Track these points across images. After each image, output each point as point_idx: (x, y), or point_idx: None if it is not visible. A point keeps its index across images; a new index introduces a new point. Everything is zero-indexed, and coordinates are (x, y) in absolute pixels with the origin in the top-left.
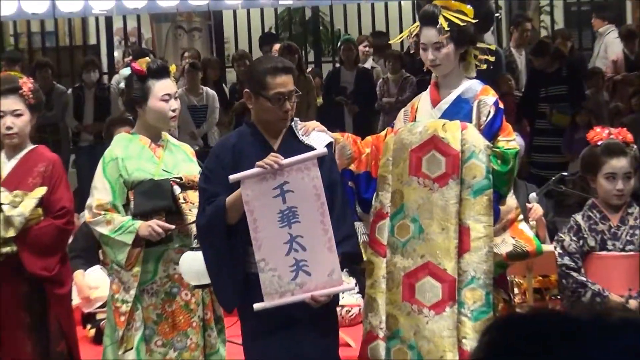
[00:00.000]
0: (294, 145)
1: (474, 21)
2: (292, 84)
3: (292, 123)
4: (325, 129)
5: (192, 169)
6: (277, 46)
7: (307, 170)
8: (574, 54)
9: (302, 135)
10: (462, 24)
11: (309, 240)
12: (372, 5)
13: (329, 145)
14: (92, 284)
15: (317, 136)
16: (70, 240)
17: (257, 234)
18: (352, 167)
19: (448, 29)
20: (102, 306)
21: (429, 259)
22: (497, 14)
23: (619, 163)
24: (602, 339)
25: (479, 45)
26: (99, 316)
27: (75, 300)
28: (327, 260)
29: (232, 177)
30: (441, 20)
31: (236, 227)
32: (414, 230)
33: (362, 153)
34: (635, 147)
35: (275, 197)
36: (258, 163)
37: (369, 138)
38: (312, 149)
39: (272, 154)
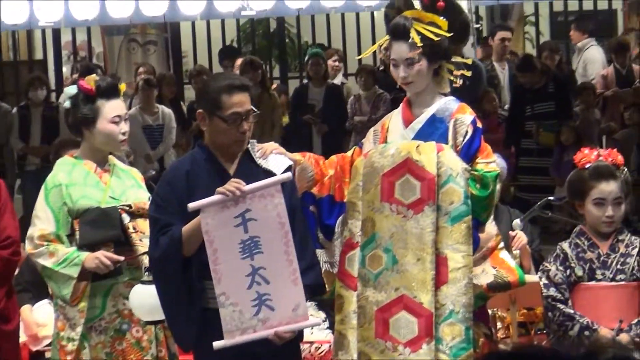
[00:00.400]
0: (251, 170)
1: (448, 35)
2: (249, 103)
3: (249, 145)
4: (284, 151)
5: (141, 196)
6: (239, 61)
7: (270, 197)
8: (561, 68)
9: (260, 159)
10: (435, 38)
11: (273, 272)
12: (343, 15)
13: (289, 169)
14: (40, 320)
15: (275, 159)
16: (16, 272)
17: (216, 266)
18: (314, 190)
19: (420, 44)
20: (50, 344)
21: (404, 292)
22: (477, 26)
23: (608, 188)
24: None
25: (455, 59)
26: (47, 354)
27: (22, 337)
28: (291, 293)
29: (192, 205)
30: (413, 34)
31: (193, 259)
32: (387, 261)
33: (324, 175)
34: (625, 170)
35: (236, 227)
36: (219, 190)
37: (333, 158)
38: (270, 173)
39: (233, 179)
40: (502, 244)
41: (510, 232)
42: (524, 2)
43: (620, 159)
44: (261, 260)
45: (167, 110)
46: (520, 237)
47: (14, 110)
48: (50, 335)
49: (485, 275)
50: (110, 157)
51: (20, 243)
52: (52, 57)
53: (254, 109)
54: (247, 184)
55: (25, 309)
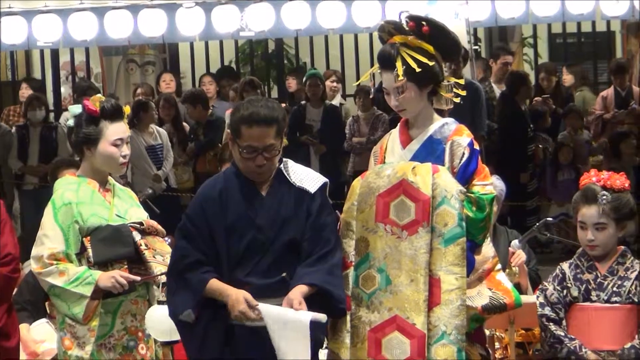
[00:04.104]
0: (284, 190)
1: (431, 63)
2: (272, 137)
3: (282, 165)
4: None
5: (142, 215)
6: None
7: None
8: (559, 89)
9: (294, 177)
10: (417, 69)
11: None
12: (341, 37)
13: (324, 186)
14: (37, 338)
15: (309, 176)
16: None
17: None
18: None
19: (403, 77)
20: None
21: (397, 312)
22: (476, 47)
23: (588, 212)
24: None
25: (448, 80)
26: None
27: (22, 355)
28: None
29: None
30: (398, 64)
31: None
32: (380, 282)
33: None
34: (619, 195)
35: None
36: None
37: None
38: (305, 191)
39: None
40: (499, 266)
41: (510, 249)
42: (523, 24)
43: (619, 183)
44: None
45: (162, 130)
46: (519, 255)
47: (13, 129)
48: (48, 352)
49: (481, 297)
50: (110, 177)
51: (19, 260)
52: (51, 78)
53: (277, 145)
54: (281, 206)
55: (23, 328)
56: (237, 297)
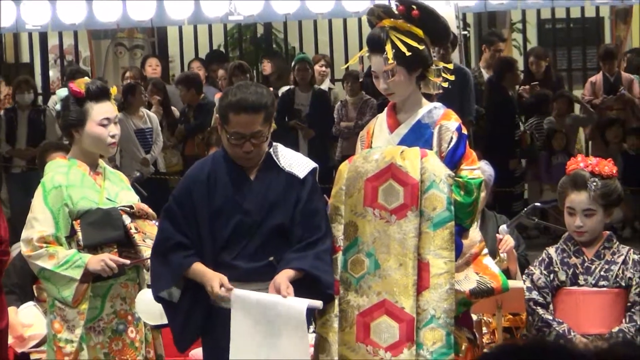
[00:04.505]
0: (273, 175)
1: (421, 47)
2: (260, 124)
3: (271, 149)
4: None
5: (132, 198)
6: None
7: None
8: (549, 75)
9: (283, 162)
10: (408, 53)
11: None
12: (330, 21)
13: (313, 171)
14: (25, 321)
15: (299, 161)
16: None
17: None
18: None
19: (392, 61)
20: (36, 345)
21: (386, 296)
22: (465, 32)
23: (578, 198)
24: None
25: (437, 65)
26: (33, 356)
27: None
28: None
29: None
30: (387, 48)
31: (205, 256)
32: (369, 266)
33: None
34: (607, 182)
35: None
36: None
37: None
38: (294, 177)
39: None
40: (485, 250)
41: (498, 235)
42: (512, 10)
43: (608, 169)
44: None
45: (151, 113)
46: (508, 241)
47: (1, 113)
48: (35, 336)
49: (468, 281)
50: (100, 160)
51: (8, 242)
52: (39, 61)
53: (264, 130)
54: (269, 190)
55: (11, 311)
56: (213, 278)
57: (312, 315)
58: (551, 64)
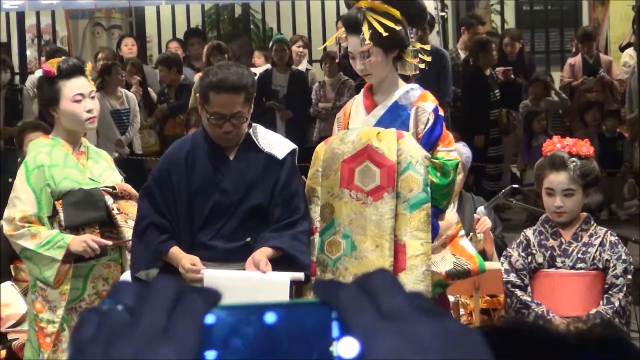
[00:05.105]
0: (252, 155)
1: (398, 28)
2: (240, 105)
3: (251, 130)
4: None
5: (116, 178)
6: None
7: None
8: (522, 56)
9: (263, 143)
10: (385, 33)
11: None
12: (308, 2)
13: (292, 152)
14: (2, 301)
15: (279, 142)
16: None
17: None
18: None
19: (369, 41)
20: (14, 325)
21: None
22: (443, 14)
23: (557, 178)
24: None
25: (413, 46)
26: (10, 336)
27: None
28: None
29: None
30: (364, 29)
31: (181, 238)
32: (345, 247)
33: None
34: (585, 162)
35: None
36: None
37: None
38: (273, 158)
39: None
40: (462, 232)
41: (475, 215)
42: None
43: (585, 149)
44: None
45: (130, 94)
46: (485, 221)
47: None
48: (12, 315)
49: (445, 262)
50: (84, 139)
51: None
52: (17, 40)
53: (244, 111)
54: (248, 170)
55: None
56: (184, 257)
57: (291, 296)
58: (524, 45)
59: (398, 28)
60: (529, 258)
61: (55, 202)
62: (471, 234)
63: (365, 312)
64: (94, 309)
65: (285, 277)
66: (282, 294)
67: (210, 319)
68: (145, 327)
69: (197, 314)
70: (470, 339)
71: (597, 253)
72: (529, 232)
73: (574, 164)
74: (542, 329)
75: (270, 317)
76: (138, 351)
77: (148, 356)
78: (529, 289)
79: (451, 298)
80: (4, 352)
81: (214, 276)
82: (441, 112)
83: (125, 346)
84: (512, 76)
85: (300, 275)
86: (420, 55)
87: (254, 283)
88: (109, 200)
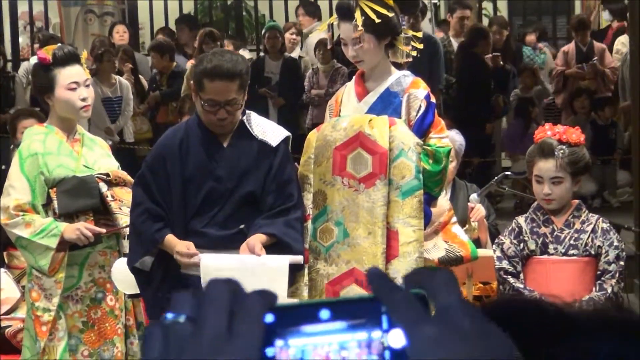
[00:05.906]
0: (246, 142)
1: (390, 15)
2: (235, 92)
3: (244, 117)
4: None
5: (112, 165)
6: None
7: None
8: (509, 44)
9: (256, 130)
10: (377, 20)
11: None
12: None
13: (286, 139)
14: None
15: (273, 129)
16: None
17: None
18: None
19: (361, 28)
20: (7, 313)
21: (355, 265)
22: (435, 1)
23: (545, 165)
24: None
25: (405, 33)
26: (3, 323)
27: None
28: None
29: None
30: (357, 15)
31: (175, 225)
32: (338, 234)
33: None
34: (575, 149)
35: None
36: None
37: None
38: (267, 145)
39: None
40: (454, 219)
41: (469, 203)
42: None
43: (575, 137)
44: None
45: (124, 82)
46: (479, 209)
47: None
48: (6, 300)
49: (437, 249)
50: (79, 127)
51: None
52: (9, 28)
53: (238, 98)
54: (241, 157)
55: None
56: (180, 244)
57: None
58: (512, 33)
59: (390, 15)
60: (521, 245)
61: (50, 190)
62: (466, 224)
63: (411, 306)
64: (157, 324)
65: (283, 260)
66: (281, 277)
67: (269, 317)
68: (209, 333)
69: (257, 314)
70: (505, 341)
71: (589, 239)
72: (520, 219)
73: (562, 151)
74: (551, 305)
75: (324, 314)
76: (208, 357)
77: (217, 357)
78: (521, 276)
79: None
80: None
81: (210, 260)
82: (433, 99)
83: (195, 355)
84: (501, 62)
85: (299, 258)
86: (412, 43)
87: (252, 266)
88: (103, 187)
